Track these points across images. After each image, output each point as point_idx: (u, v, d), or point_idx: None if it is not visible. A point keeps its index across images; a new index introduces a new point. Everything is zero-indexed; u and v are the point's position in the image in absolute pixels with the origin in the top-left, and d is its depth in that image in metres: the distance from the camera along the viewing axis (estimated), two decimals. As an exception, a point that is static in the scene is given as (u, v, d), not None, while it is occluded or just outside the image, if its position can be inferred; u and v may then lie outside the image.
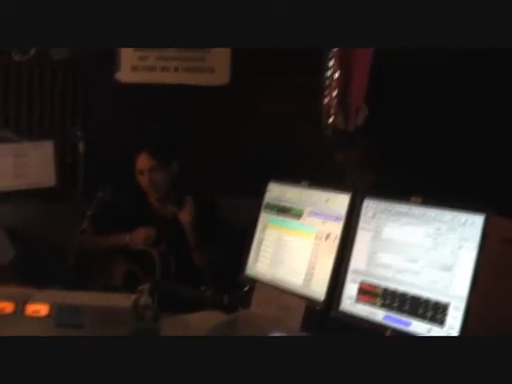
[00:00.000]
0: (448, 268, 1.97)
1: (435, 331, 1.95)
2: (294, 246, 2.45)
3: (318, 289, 2.31)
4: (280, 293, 2.36)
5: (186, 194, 3.38)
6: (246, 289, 2.54)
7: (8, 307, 2.23)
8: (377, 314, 2.11)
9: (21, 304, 2.23)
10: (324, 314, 2.27)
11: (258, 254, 2.59)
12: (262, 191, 2.63)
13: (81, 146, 3.44)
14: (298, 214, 2.47)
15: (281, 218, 2.54)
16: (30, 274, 3.17)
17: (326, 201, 2.39)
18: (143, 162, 3.37)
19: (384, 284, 2.11)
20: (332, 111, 2.96)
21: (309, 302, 2.28)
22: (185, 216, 3.31)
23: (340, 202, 2.34)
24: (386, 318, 2.08)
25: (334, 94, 2.98)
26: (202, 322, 2.42)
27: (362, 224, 2.25)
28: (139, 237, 3.31)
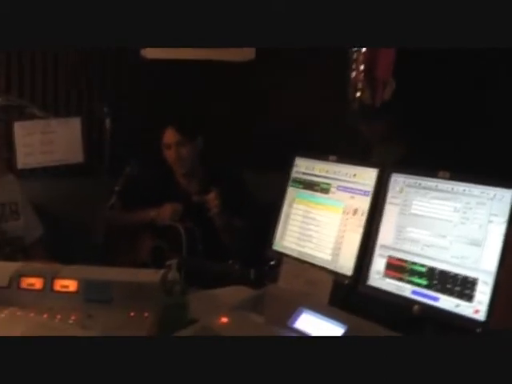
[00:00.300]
0: (477, 243, 1.96)
1: (463, 306, 1.94)
2: (322, 221, 2.45)
3: (346, 263, 2.31)
4: (307, 267, 2.36)
5: (213, 171, 3.40)
6: (272, 263, 2.54)
7: (37, 283, 2.25)
8: (404, 288, 2.11)
9: (49, 280, 2.25)
10: (352, 288, 2.27)
11: (285, 229, 2.58)
12: (288, 166, 2.63)
13: (107, 123, 3.44)
14: (325, 189, 2.46)
15: (308, 192, 2.53)
16: (59, 250, 3.20)
17: (354, 175, 2.38)
18: (170, 136, 3.40)
19: (412, 259, 2.11)
20: (359, 85, 2.94)
21: (336, 277, 2.26)
22: (212, 208, 3.32)
23: (368, 176, 2.33)
24: (413, 292, 2.08)
25: (362, 68, 2.96)
26: (230, 296, 2.43)
27: (389, 199, 2.24)
28: (166, 212, 3.33)
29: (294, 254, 2.50)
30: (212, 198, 3.27)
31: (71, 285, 2.24)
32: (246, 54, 4.11)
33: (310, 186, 2.53)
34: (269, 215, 2.68)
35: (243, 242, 3.39)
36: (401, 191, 2.21)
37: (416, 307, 2.04)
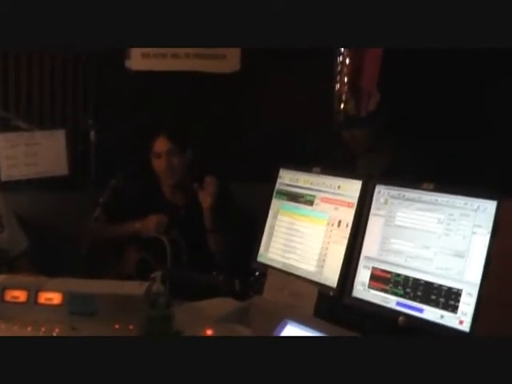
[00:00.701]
0: (460, 254, 1.97)
1: (448, 317, 1.95)
2: (306, 233, 2.45)
3: (331, 275, 2.31)
4: (292, 279, 2.36)
5: (198, 181, 3.40)
6: (257, 274, 2.54)
7: (21, 295, 2.25)
8: (389, 300, 2.11)
9: (34, 292, 2.25)
10: (337, 300, 2.27)
11: (269, 241, 2.58)
12: (272, 178, 2.63)
13: (92, 135, 3.44)
14: (309, 201, 2.47)
15: (292, 204, 2.53)
16: (43, 262, 3.18)
17: (338, 187, 2.38)
18: (161, 144, 3.39)
19: (396, 270, 2.12)
20: (343, 97, 2.95)
21: (321, 289, 2.27)
22: (206, 197, 3.32)
23: (352, 188, 2.33)
24: (398, 304, 2.08)
25: (346, 79, 2.97)
26: (215, 308, 2.43)
27: (374, 210, 2.25)
28: (151, 224, 3.32)
29: (279, 266, 2.50)
30: (208, 191, 3.31)
31: (56, 297, 2.24)
32: (231, 65, 4.12)
33: (295, 197, 2.53)
34: (253, 226, 2.68)
35: (229, 251, 3.38)
36: (385, 203, 2.22)
37: (401, 318, 2.04)
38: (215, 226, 3.37)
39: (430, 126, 3.31)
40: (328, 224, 2.37)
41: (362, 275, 2.22)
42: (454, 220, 2.01)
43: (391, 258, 2.15)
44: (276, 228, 2.57)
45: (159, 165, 3.40)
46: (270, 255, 2.56)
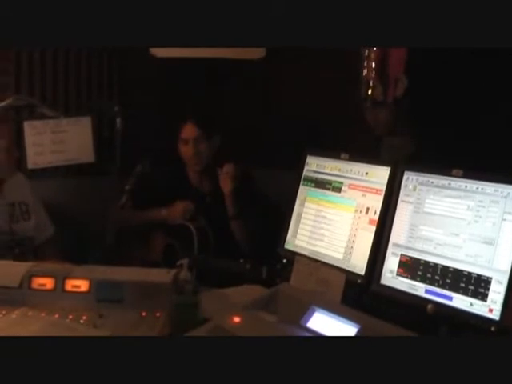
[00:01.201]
0: (490, 241, 1.96)
1: (477, 305, 1.94)
2: (334, 220, 2.45)
3: (358, 263, 2.31)
4: (319, 266, 2.35)
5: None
6: (284, 261, 2.54)
7: (48, 283, 2.25)
8: (418, 287, 2.11)
9: (61, 280, 2.25)
10: (364, 287, 2.27)
11: (296, 228, 2.58)
12: (300, 164, 2.63)
13: (118, 122, 3.44)
14: (337, 188, 2.46)
15: (320, 191, 2.53)
16: (70, 250, 3.21)
17: (366, 174, 2.38)
18: (188, 131, 3.41)
19: (425, 257, 2.11)
20: (371, 82, 2.93)
21: (349, 276, 2.27)
22: (226, 182, 3.33)
23: (380, 174, 2.33)
24: (427, 291, 2.08)
25: (373, 64, 2.95)
26: (242, 295, 2.43)
27: (402, 197, 2.24)
28: (177, 211, 3.33)
29: (306, 253, 2.50)
30: (228, 176, 3.33)
31: (83, 285, 2.25)
32: (256, 51, 4.11)
33: (322, 184, 2.53)
34: (281, 214, 2.68)
35: (254, 238, 3.39)
36: (414, 189, 2.21)
37: (430, 306, 2.04)
38: (237, 212, 3.38)
39: (456, 113, 3.27)
40: (356, 211, 2.37)
41: (391, 262, 2.21)
42: (484, 207, 2.00)
43: (420, 245, 2.14)
44: (303, 215, 2.57)
45: (186, 151, 3.42)
46: (298, 242, 2.56)
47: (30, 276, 2.26)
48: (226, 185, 3.35)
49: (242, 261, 2.62)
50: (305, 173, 2.61)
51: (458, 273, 2.01)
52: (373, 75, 2.89)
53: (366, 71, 2.97)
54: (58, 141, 3.89)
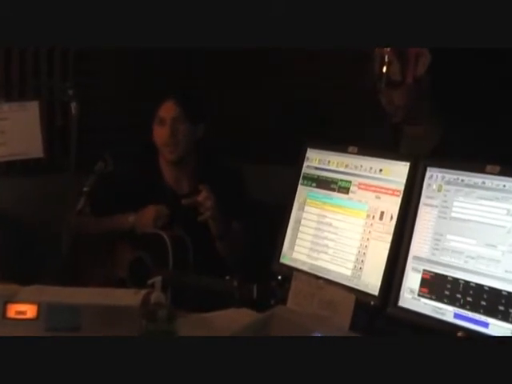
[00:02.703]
0: (536, 255, 1.96)
1: (520, 333, 1.94)
2: (340, 228, 2.45)
3: (371, 280, 2.31)
4: (323, 285, 2.36)
5: (206, 164, 3.40)
6: (279, 278, 2.54)
7: (-15, 308, 2.25)
8: (445, 311, 2.11)
9: (1, 304, 2.24)
10: (379, 310, 2.27)
11: (295, 237, 2.59)
12: (298, 159, 2.62)
13: (73, 107, 3.43)
14: (344, 188, 2.47)
15: (323, 192, 2.54)
16: (14, 266, 3.19)
17: (380, 171, 2.39)
18: (167, 109, 3.40)
19: (454, 274, 2.10)
20: (386, 58, 2.91)
21: (359, 297, 2.27)
22: (204, 202, 3.28)
23: (397, 171, 2.33)
24: (456, 316, 2.08)
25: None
26: (229, 321, 2.44)
27: (424, 199, 2.24)
28: (148, 217, 3.32)
29: (306, 268, 2.52)
30: (204, 198, 3.25)
31: (29, 310, 2.24)
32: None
33: (326, 183, 2.54)
34: (275, 220, 2.67)
35: (243, 254, 3.38)
36: (439, 190, 2.21)
37: (460, 334, 2.03)
38: (223, 232, 3.36)
39: (491, 97, 3.27)
40: (368, 216, 2.37)
41: (411, 280, 2.21)
42: (527, 211, 2.01)
43: (447, 259, 2.14)
44: (303, 222, 2.58)
45: (161, 134, 3.40)
46: (296, 255, 2.57)
47: (-37, 299, 2.25)
48: (210, 209, 3.29)
49: (227, 278, 2.61)
50: (304, 170, 2.63)
51: (495, 293, 2.00)
52: (388, 49, 2.88)
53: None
54: (-3, 131, 3.88)
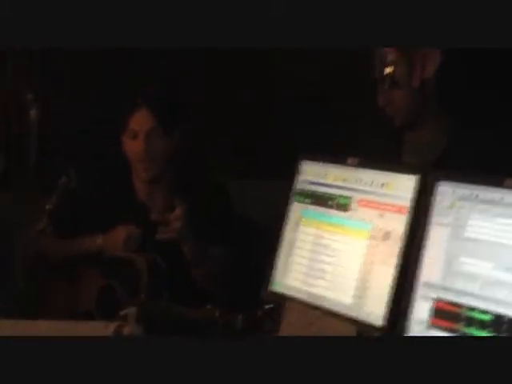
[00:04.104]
0: None
1: (544, 368, 1.94)
2: (340, 250, 2.46)
3: (375, 310, 2.31)
4: (320, 315, 2.37)
5: (184, 178, 3.40)
6: (268, 307, 2.55)
7: None
8: (459, 344, 2.11)
9: None
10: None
11: (288, 261, 2.59)
12: (291, 173, 2.63)
13: (33, 114, 3.43)
14: (343, 205, 2.48)
15: (319, 209, 2.55)
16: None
17: (383, 185, 2.39)
18: (140, 120, 3.37)
19: (469, 302, 2.10)
20: (389, 56, 2.93)
21: (361, 329, 2.28)
22: (173, 222, 3.26)
23: (403, 186, 2.33)
24: (472, 350, 2.08)
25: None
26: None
27: (435, 217, 2.24)
28: (118, 238, 3.32)
29: (301, 296, 2.51)
30: (174, 218, 3.22)
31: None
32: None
33: (322, 200, 2.54)
34: (265, 242, 2.68)
35: (225, 281, 3.38)
36: (451, 207, 2.21)
37: (477, 370, 2.04)
38: (198, 258, 3.34)
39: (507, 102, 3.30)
40: (371, 237, 2.38)
41: (420, 309, 2.21)
42: (552, 231, 2.02)
43: (461, 285, 2.13)
44: (297, 243, 2.58)
45: (134, 148, 3.38)
46: (289, 282, 2.57)
47: None
48: (176, 231, 3.26)
49: (209, 307, 2.62)
50: (298, 184, 2.63)
51: (516, 324, 2.02)
52: (393, 48, 2.89)
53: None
54: None
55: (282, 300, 2.51)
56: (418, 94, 2.93)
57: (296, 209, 2.61)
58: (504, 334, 2.01)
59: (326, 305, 2.43)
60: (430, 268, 2.21)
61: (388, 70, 2.89)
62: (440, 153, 2.95)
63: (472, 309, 2.09)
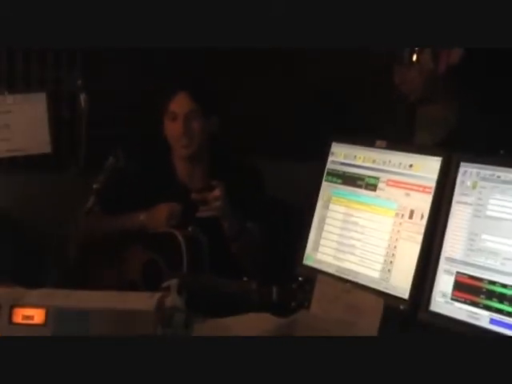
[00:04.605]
0: None
1: (561, 340, 1.94)
2: (368, 227, 2.46)
3: (401, 283, 2.32)
4: (349, 288, 2.36)
5: (222, 160, 3.40)
6: (300, 279, 2.54)
7: (-10, 313, 2.25)
8: (480, 316, 2.10)
9: (7, 309, 2.24)
10: (409, 315, 2.28)
11: (319, 238, 2.60)
12: (322, 154, 2.62)
13: (82, 99, 3.44)
14: (372, 184, 2.48)
15: (349, 189, 2.55)
16: (20, 268, 3.20)
17: (410, 166, 2.39)
18: (180, 103, 3.40)
19: (490, 277, 2.10)
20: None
21: (388, 301, 2.26)
22: (213, 201, 3.28)
23: (429, 167, 2.33)
24: (492, 321, 2.07)
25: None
26: (247, 327, 2.43)
27: (458, 197, 2.24)
28: (160, 215, 3.32)
29: (332, 271, 2.53)
30: (213, 197, 3.23)
31: (37, 315, 2.23)
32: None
33: (352, 180, 2.55)
34: (297, 219, 2.67)
35: (261, 256, 3.38)
36: (474, 187, 2.20)
37: (496, 341, 2.03)
38: (237, 232, 3.35)
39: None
40: (397, 215, 2.37)
41: (443, 283, 2.21)
42: None
43: (482, 261, 2.13)
44: (327, 221, 2.59)
45: (174, 129, 3.40)
46: (320, 257, 2.58)
47: (-33, 304, 2.25)
48: (216, 209, 3.28)
49: (245, 279, 2.61)
50: (329, 165, 2.63)
51: (534, 297, 2.00)
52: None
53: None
54: (1, 125, 3.89)
55: (314, 274, 2.50)
56: (432, 74, 2.91)
57: (327, 188, 2.61)
58: (523, 307, 2.01)
59: (355, 279, 2.44)
60: (453, 244, 2.22)
61: (414, 57, 2.87)
62: (450, 128, 2.92)
63: (493, 283, 2.09)
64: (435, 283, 2.23)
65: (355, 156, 2.55)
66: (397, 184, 2.41)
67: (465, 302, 2.14)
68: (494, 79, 3.13)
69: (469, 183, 2.22)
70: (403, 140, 2.69)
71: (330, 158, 2.62)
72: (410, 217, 2.34)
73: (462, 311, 2.15)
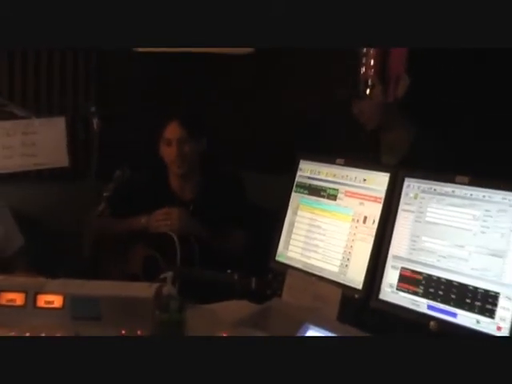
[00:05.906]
0: (498, 254, 1.98)
1: (484, 323, 1.96)
2: (329, 230, 2.47)
3: (356, 276, 2.33)
4: (314, 280, 2.37)
5: (209, 175, 3.42)
6: (274, 273, 2.55)
7: (18, 299, 2.24)
8: (420, 303, 2.12)
9: (32, 295, 2.24)
10: (362, 303, 2.29)
11: (289, 238, 2.60)
12: (292, 170, 2.64)
13: (95, 123, 3.44)
14: (332, 195, 2.48)
15: (314, 198, 2.55)
16: (42, 262, 3.19)
17: (364, 180, 2.40)
18: (173, 130, 3.40)
19: (427, 271, 2.13)
20: (369, 81, 2.92)
21: (346, 291, 2.28)
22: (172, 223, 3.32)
23: (379, 181, 2.35)
24: (429, 307, 2.10)
25: (372, 62, 2.95)
26: (230, 312, 2.43)
27: (402, 205, 2.26)
28: (158, 219, 3.33)
29: (300, 266, 2.53)
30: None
31: (56, 300, 2.24)
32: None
33: (316, 191, 2.55)
34: (271, 223, 2.69)
35: (243, 253, 3.39)
36: (415, 197, 2.23)
37: (432, 323, 2.05)
38: (218, 239, 3.39)
39: (458, 113, 3.26)
40: (353, 220, 2.39)
41: (390, 276, 2.23)
42: (491, 216, 2.02)
43: (422, 258, 2.16)
44: (296, 224, 2.59)
45: (169, 153, 3.41)
46: (290, 254, 2.58)
47: (-2, 291, 2.26)
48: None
49: (229, 272, 2.62)
50: (297, 179, 2.63)
51: (463, 288, 2.02)
52: (371, 73, 2.88)
53: (364, 69, 2.96)
54: (28, 143, 3.88)
55: (285, 268, 2.51)
56: (384, 105, 2.92)
57: (296, 198, 2.62)
58: (453, 296, 2.03)
59: (318, 272, 2.45)
60: (399, 245, 2.24)
61: (367, 90, 2.89)
62: (405, 151, 2.93)
63: (430, 276, 2.11)
64: (384, 276, 2.24)
65: (319, 171, 2.55)
66: (353, 195, 2.42)
67: (407, 292, 2.16)
68: (439, 109, 3.14)
69: (411, 195, 2.24)
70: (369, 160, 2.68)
71: (299, 173, 2.62)
72: (364, 222, 2.35)
73: (405, 299, 2.17)
